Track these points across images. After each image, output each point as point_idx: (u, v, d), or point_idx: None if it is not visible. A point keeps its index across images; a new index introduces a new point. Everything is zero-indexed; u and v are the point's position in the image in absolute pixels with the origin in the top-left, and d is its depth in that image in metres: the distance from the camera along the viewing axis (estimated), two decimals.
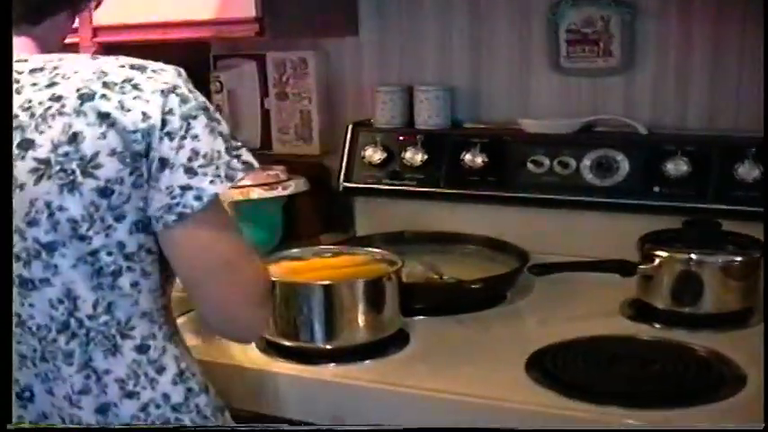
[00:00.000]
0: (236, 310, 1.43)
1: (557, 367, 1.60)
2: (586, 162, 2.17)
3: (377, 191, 2.38)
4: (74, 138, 1.26)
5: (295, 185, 2.26)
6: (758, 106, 2.06)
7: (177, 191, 1.28)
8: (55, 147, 1.27)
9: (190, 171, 1.28)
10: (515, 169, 2.23)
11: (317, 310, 1.68)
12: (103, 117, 1.27)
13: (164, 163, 1.28)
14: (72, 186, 1.27)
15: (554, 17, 2.26)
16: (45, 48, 1.42)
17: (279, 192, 2.21)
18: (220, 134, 1.32)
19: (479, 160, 2.25)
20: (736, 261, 1.83)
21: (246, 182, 2.16)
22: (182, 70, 1.34)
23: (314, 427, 1.63)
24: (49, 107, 1.28)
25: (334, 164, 2.49)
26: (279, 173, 2.26)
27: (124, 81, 1.29)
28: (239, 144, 1.35)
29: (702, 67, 2.15)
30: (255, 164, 1.36)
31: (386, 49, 2.46)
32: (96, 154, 1.26)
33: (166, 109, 1.28)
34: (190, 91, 1.32)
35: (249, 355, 1.73)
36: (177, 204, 1.29)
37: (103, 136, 1.26)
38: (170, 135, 1.28)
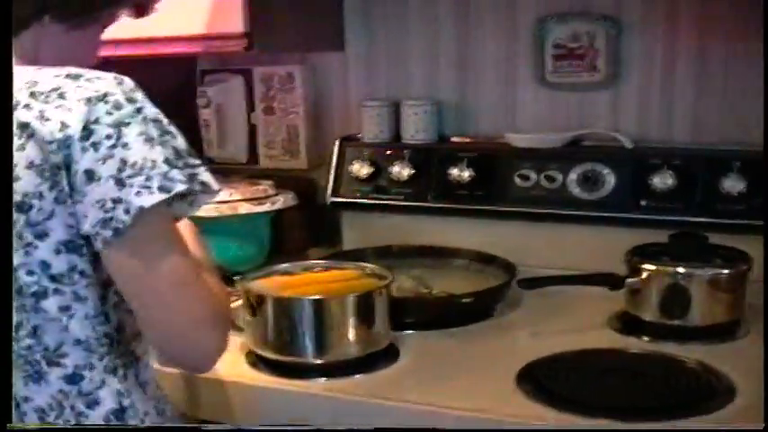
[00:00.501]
0: (185, 335, 1.30)
1: (547, 380, 1.60)
2: (573, 176, 2.18)
3: (364, 205, 2.39)
4: None
5: (283, 200, 2.27)
6: (743, 119, 2.08)
7: (109, 204, 1.20)
8: None
9: (119, 183, 1.20)
10: (502, 183, 2.24)
11: (308, 325, 1.67)
12: (23, 127, 1.21)
13: (90, 175, 1.20)
14: None
15: (540, 32, 2.27)
16: (28, 62, 1.34)
17: (267, 206, 2.22)
18: (164, 145, 1.23)
19: (466, 174, 2.25)
20: (724, 274, 1.83)
21: (235, 196, 2.17)
22: (125, 79, 1.27)
23: (316, 427, 1.63)
24: None
25: (321, 178, 2.49)
26: (267, 187, 2.26)
27: (52, 90, 1.23)
28: (197, 162, 1.28)
29: (687, 81, 2.17)
30: (215, 186, 1.29)
31: (373, 63, 2.47)
32: (14, 166, 1.21)
33: (92, 118, 1.20)
34: (129, 100, 1.23)
35: (239, 370, 1.73)
36: (111, 219, 1.20)
37: (22, 147, 1.21)
38: (95, 145, 1.20)
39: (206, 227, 2.16)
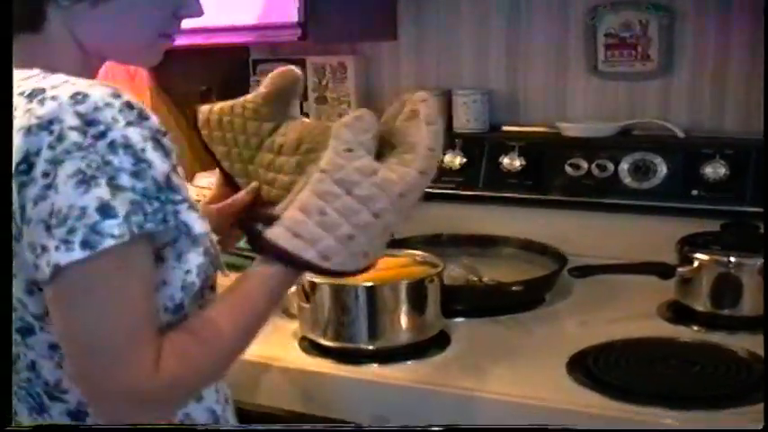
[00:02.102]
0: (96, 402, 1.14)
1: (598, 368, 1.61)
2: (624, 165, 2.18)
3: None
4: None
5: None
6: None
7: (38, 250, 1.06)
8: None
9: (48, 229, 1.05)
10: (553, 172, 2.25)
11: (360, 311, 1.69)
12: None
13: (23, 215, 1.07)
14: None
15: (592, 21, 2.27)
16: (49, 62, 1.20)
17: None
18: (138, 177, 1.08)
19: (517, 163, 2.27)
20: None
21: None
22: (93, 94, 1.09)
23: (316, 426, 1.65)
24: None
25: None
26: None
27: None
28: (179, 197, 1.11)
29: (740, 71, 2.16)
30: (196, 228, 1.13)
31: (424, 53, 2.49)
32: None
33: (33, 150, 1.06)
34: (87, 123, 1.07)
35: (292, 355, 1.76)
36: (37, 267, 1.07)
37: None
38: (34, 182, 1.06)
39: None
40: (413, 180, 1.23)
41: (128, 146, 1.07)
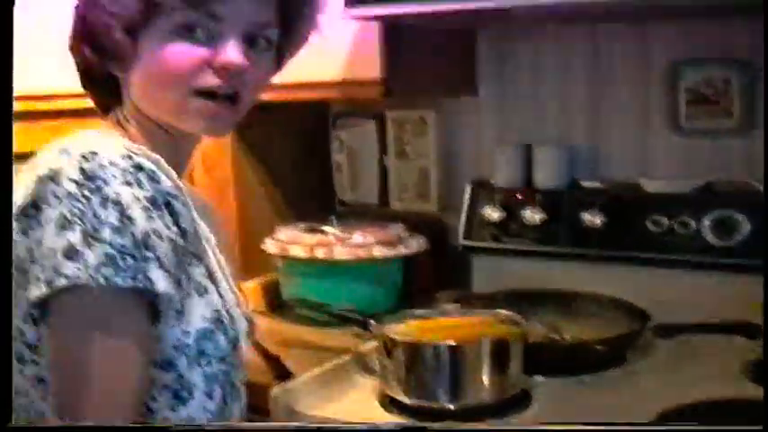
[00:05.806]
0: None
1: None
2: (706, 222, 2.16)
3: (496, 250, 2.40)
4: None
5: (416, 244, 2.30)
6: None
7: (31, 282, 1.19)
8: None
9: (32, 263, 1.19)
10: (635, 229, 2.23)
11: (443, 370, 1.69)
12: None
13: (32, 254, 1.20)
14: None
15: (673, 77, 2.26)
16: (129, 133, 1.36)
17: (401, 251, 2.25)
18: (117, 232, 1.16)
19: (598, 220, 2.25)
20: None
21: (369, 239, 2.21)
22: (99, 153, 1.20)
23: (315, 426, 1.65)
24: None
25: (450, 221, 2.51)
26: (399, 231, 2.30)
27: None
28: (150, 255, 1.18)
29: None
30: (159, 287, 1.18)
31: (505, 108, 2.49)
32: None
33: (41, 196, 1.19)
34: (89, 178, 1.17)
35: (372, 412, 1.75)
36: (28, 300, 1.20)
37: None
38: (40, 226, 1.19)
39: (340, 270, 2.22)
40: None
41: (117, 203, 1.16)
